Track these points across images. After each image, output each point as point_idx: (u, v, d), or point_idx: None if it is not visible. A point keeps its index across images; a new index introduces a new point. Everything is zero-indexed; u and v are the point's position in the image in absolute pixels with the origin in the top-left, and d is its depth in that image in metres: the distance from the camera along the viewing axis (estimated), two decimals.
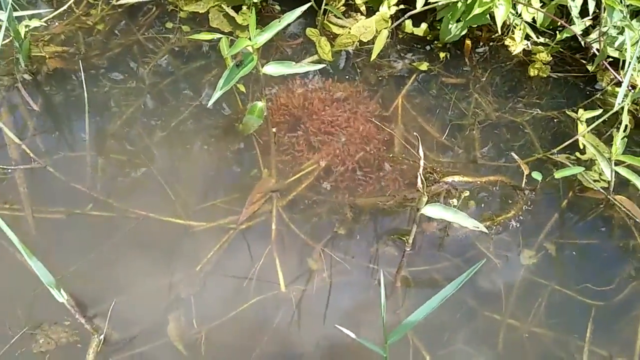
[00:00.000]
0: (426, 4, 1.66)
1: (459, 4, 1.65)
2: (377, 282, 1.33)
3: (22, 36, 1.49)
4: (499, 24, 1.58)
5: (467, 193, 1.26)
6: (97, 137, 1.54)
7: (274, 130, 1.55)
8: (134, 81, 1.68)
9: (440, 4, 1.64)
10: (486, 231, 1.20)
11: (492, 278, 1.32)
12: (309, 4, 1.33)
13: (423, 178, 1.15)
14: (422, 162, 1.11)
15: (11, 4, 1.33)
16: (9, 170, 1.41)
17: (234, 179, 1.50)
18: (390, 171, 1.50)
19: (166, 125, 1.58)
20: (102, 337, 1.15)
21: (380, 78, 1.74)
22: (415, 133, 1.55)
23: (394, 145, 1.57)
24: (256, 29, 1.41)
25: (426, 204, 1.15)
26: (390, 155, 1.53)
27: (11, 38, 1.62)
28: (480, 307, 1.30)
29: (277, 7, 1.94)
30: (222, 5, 1.82)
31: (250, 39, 1.28)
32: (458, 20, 1.69)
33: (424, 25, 1.82)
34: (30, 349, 1.16)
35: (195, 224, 1.40)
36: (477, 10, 1.57)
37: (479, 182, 1.43)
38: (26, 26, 1.52)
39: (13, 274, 1.27)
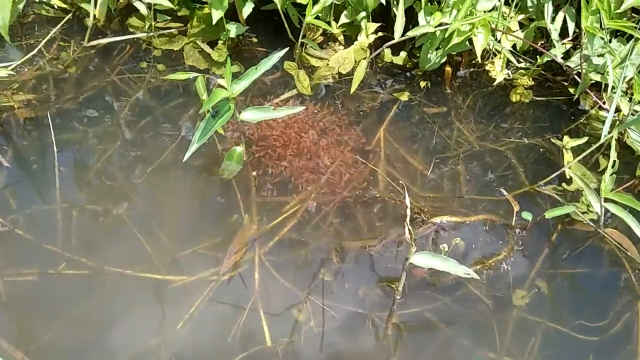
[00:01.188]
0: (404, 33, 1.63)
1: (437, 33, 1.62)
2: (366, 329, 1.29)
3: None
4: (479, 52, 1.55)
5: (457, 240, 1.23)
6: (70, 188, 1.48)
7: (254, 174, 1.50)
8: (109, 124, 1.63)
9: (418, 33, 1.60)
10: (478, 277, 1.16)
11: (485, 318, 1.29)
12: (285, 50, 1.29)
13: (409, 224, 1.12)
14: (408, 212, 1.07)
15: None
16: None
17: (215, 226, 1.46)
18: (376, 210, 1.46)
19: (142, 171, 1.53)
20: None
21: (361, 110, 1.70)
22: (400, 181, 1.51)
23: (379, 181, 1.54)
24: (232, 65, 1.37)
25: (415, 250, 1.11)
26: (377, 195, 1.49)
27: None
28: (475, 347, 1.26)
29: (254, 40, 1.90)
30: (197, 42, 1.78)
31: (226, 87, 1.24)
32: (437, 48, 1.66)
33: (403, 54, 1.79)
34: None
35: (175, 279, 1.35)
36: (455, 40, 1.54)
37: (468, 222, 1.39)
38: None
39: None
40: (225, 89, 1.23)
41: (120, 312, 1.29)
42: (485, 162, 1.59)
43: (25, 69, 1.67)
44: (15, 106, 1.56)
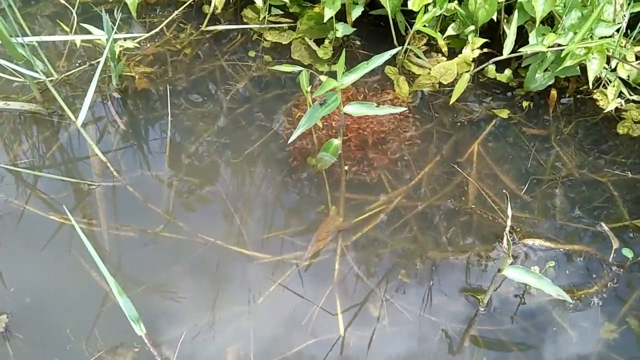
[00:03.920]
0: (513, 51, 1.61)
1: (549, 54, 1.59)
2: (439, 337, 1.28)
3: (117, 56, 1.57)
4: (591, 78, 1.50)
5: (552, 264, 1.19)
6: (173, 158, 1.59)
7: (345, 168, 1.54)
8: (212, 105, 1.73)
9: (530, 51, 1.58)
10: (571, 301, 1.12)
11: (569, 350, 1.24)
12: (397, 49, 1.32)
13: (502, 241, 1.10)
14: (509, 222, 1.06)
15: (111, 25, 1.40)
16: (93, 186, 1.47)
17: (300, 213, 1.50)
18: (463, 222, 1.45)
19: (239, 152, 1.61)
20: None
21: (457, 122, 1.70)
22: (503, 190, 1.49)
23: (468, 193, 1.52)
24: (336, 64, 1.41)
25: (510, 262, 1.09)
26: (470, 206, 1.48)
27: (105, 57, 1.72)
28: None
29: (357, 42, 1.95)
30: (305, 38, 1.85)
31: (331, 78, 1.28)
32: (546, 70, 1.63)
33: (507, 72, 1.77)
34: None
35: (260, 256, 1.40)
36: (568, 63, 1.50)
37: (561, 249, 1.35)
38: (121, 47, 1.60)
39: (85, 289, 1.32)
40: (335, 80, 1.27)
41: (207, 278, 1.35)
42: (583, 191, 1.53)
43: (148, 45, 1.81)
44: (136, 77, 1.69)
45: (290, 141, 1.30)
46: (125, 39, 1.60)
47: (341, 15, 1.83)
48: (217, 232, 1.43)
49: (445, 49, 1.83)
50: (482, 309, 1.25)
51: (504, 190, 1.51)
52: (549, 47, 1.52)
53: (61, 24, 1.75)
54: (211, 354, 1.23)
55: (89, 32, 1.59)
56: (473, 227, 1.44)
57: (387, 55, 1.29)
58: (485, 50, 1.82)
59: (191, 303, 1.31)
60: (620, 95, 1.66)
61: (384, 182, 1.53)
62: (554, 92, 1.73)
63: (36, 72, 1.38)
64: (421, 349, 1.28)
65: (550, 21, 1.72)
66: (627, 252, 1.31)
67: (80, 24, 1.69)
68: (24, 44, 1.44)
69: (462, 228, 1.45)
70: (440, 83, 1.76)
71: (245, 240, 1.43)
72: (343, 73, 1.28)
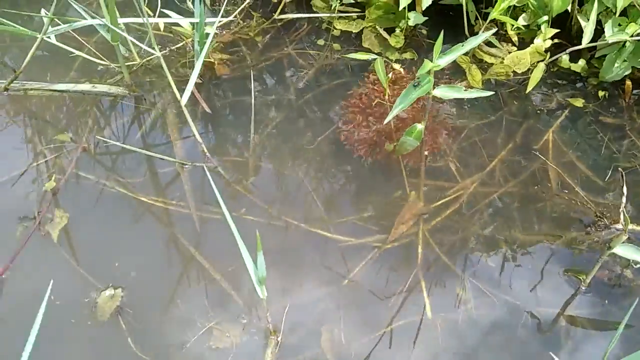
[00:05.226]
0: (591, 41, 1.61)
1: (627, 44, 1.58)
2: (526, 320, 1.29)
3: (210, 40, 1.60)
4: None
5: None
6: (256, 143, 1.61)
7: (425, 153, 1.55)
8: (283, 93, 1.76)
9: (612, 40, 1.58)
10: None
11: None
12: (490, 33, 1.33)
13: (592, 227, 1.11)
14: (624, 199, 1.06)
15: (201, 9, 1.43)
16: (186, 166, 1.51)
17: (379, 198, 1.52)
18: (544, 208, 1.46)
19: (314, 138, 1.63)
20: (279, 338, 1.19)
21: (532, 110, 1.70)
22: (619, 169, 1.48)
23: (544, 180, 1.53)
24: (406, 52, 1.43)
25: (624, 240, 1.09)
26: (544, 193, 1.48)
27: (183, 43, 1.76)
28: None
29: (424, 32, 1.96)
30: (376, 27, 1.87)
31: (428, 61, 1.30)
32: (623, 60, 1.62)
33: (582, 62, 1.77)
34: (208, 345, 1.22)
35: (343, 239, 1.42)
36: None
37: None
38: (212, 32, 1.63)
39: (186, 268, 1.35)
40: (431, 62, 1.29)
41: (291, 260, 1.38)
42: None
43: (224, 32, 1.84)
44: (215, 62, 1.73)
45: (386, 121, 1.33)
46: (208, 25, 1.62)
47: (410, 5, 1.84)
48: (299, 216, 1.46)
49: (515, 39, 1.84)
50: (584, 288, 1.26)
51: (584, 176, 1.51)
52: (631, 36, 1.52)
53: (146, 9, 1.79)
54: (307, 330, 1.26)
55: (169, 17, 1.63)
56: (555, 213, 1.45)
57: (482, 37, 1.30)
58: (554, 40, 1.81)
59: (276, 285, 1.34)
60: None
61: (455, 169, 1.55)
62: (629, 83, 1.72)
63: (150, 49, 1.37)
64: (505, 332, 1.29)
65: (622, 13, 1.71)
66: None
67: (161, 9, 1.73)
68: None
69: (543, 214, 1.45)
70: (514, 72, 1.76)
71: (325, 223, 1.45)
72: (438, 55, 1.30)
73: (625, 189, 1.08)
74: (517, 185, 1.52)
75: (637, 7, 1.57)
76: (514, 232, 1.42)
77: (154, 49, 1.38)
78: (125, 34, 1.45)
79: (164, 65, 1.40)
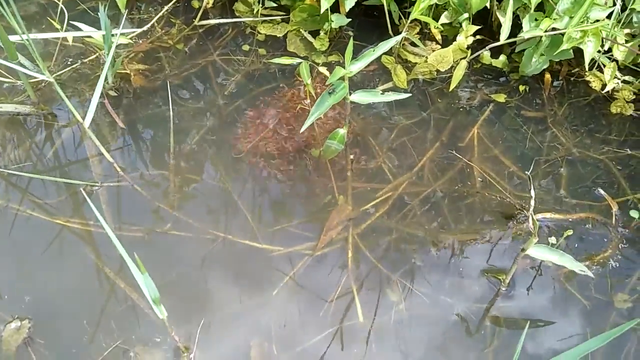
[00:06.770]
0: (508, 37, 1.64)
1: (544, 39, 1.62)
2: (457, 317, 1.29)
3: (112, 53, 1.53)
4: (587, 60, 1.54)
5: (570, 232, 1.22)
6: (175, 155, 1.55)
7: (351, 157, 1.54)
8: (208, 101, 1.70)
9: (527, 36, 1.61)
10: (592, 276, 1.15)
11: (582, 320, 1.27)
12: (402, 35, 1.32)
13: (512, 220, 1.12)
14: (532, 202, 1.08)
15: (106, 22, 1.36)
16: (95, 187, 1.43)
17: (308, 205, 1.49)
18: (469, 205, 1.47)
19: (241, 147, 1.59)
20: (192, 356, 1.14)
21: (456, 107, 1.72)
22: (526, 172, 1.52)
23: (471, 177, 1.54)
24: (332, 55, 1.41)
25: (536, 241, 1.11)
26: (469, 191, 1.50)
27: (97, 54, 1.67)
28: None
29: (350, 33, 1.95)
30: (300, 30, 1.84)
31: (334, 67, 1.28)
32: (541, 54, 1.66)
33: (502, 57, 1.80)
34: None
35: (272, 249, 1.39)
36: (564, 46, 1.54)
37: (570, 220, 1.38)
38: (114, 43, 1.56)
39: (102, 289, 1.28)
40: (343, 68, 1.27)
41: (219, 273, 1.33)
42: (584, 168, 1.57)
43: (140, 41, 1.77)
44: (131, 74, 1.65)
45: (302, 129, 1.30)
46: (121, 35, 1.55)
47: (334, 7, 1.82)
48: (226, 228, 1.41)
49: (439, 37, 1.85)
50: (504, 289, 1.27)
51: (509, 170, 1.54)
52: (545, 31, 1.55)
53: (52, 21, 1.70)
54: (235, 345, 1.21)
55: (79, 30, 1.55)
56: (479, 209, 1.46)
57: (393, 41, 1.29)
58: (477, 37, 1.84)
59: (206, 299, 1.29)
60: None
61: (387, 170, 1.54)
62: (548, 76, 1.76)
63: (39, 72, 1.32)
64: (440, 330, 1.29)
65: (538, 7, 1.76)
66: (634, 213, 1.38)
67: (70, 22, 1.64)
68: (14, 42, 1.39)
69: (468, 211, 1.46)
70: (437, 70, 1.77)
71: (254, 233, 1.41)
72: (350, 61, 1.28)
73: (533, 192, 1.09)
74: (445, 183, 1.53)
75: (551, 3, 1.61)
76: (442, 230, 1.43)
77: (47, 68, 1.29)
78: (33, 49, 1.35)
79: (58, 88, 1.30)
